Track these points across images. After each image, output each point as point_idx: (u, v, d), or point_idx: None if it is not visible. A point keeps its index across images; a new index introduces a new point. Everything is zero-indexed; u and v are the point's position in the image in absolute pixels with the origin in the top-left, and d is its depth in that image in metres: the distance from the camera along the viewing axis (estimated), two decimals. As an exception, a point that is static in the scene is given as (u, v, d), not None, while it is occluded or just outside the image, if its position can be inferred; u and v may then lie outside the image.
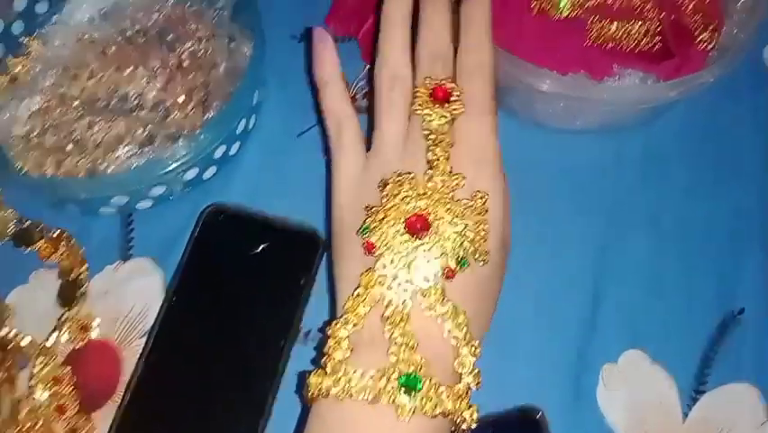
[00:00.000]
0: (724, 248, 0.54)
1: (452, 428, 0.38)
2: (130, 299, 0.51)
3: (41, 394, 0.48)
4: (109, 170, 0.53)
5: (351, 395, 0.36)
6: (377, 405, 0.36)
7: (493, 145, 0.43)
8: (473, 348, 0.38)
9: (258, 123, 0.57)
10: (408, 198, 0.39)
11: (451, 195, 0.40)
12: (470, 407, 0.37)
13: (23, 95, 0.56)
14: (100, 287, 0.52)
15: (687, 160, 0.56)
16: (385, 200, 0.40)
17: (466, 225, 0.39)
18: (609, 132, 0.57)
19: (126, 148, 0.54)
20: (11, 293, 0.52)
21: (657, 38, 0.55)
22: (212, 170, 0.54)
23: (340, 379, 0.36)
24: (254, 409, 0.46)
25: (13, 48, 0.58)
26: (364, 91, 0.57)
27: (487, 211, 0.40)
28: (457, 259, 0.38)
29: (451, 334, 0.38)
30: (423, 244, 0.38)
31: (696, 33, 0.55)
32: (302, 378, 0.39)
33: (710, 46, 0.54)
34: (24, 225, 0.53)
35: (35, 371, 0.48)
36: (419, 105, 0.43)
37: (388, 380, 0.36)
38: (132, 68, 0.57)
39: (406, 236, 0.39)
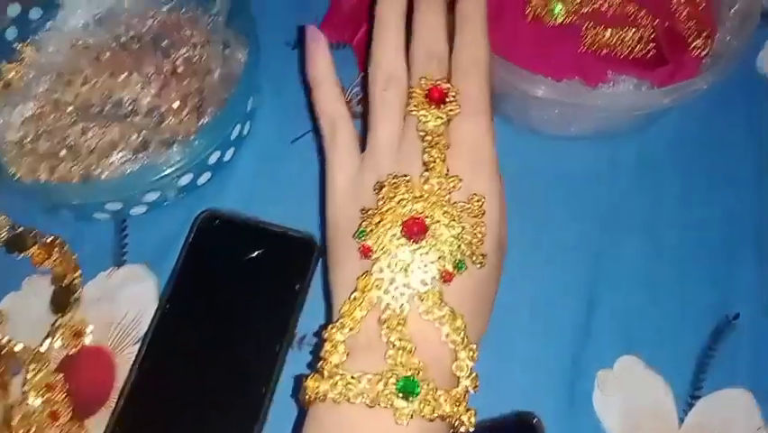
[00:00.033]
0: (718, 254, 0.54)
1: (451, 432, 0.37)
2: (123, 306, 0.51)
3: (34, 401, 0.47)
4: (103, 176, 0.53)
5: (348, 399, 0.36)
6: (374, 409, 0.35)
7: (489, 146, 0.42)
8: (471, 352, 0.37)
9: (252, 129, 0.57)
10: (405, 201, 0.39)
11: (447, 197, 0.39)
12: (468, 410, 0.37)
13: (17, 101, 0.56)
14: (93, 293, 0.52)
15: (681, 166, 0.57)
16: (381, 203, 0.40)
17: (463, 228, 0.39)
18: (604, 138, 0.57)
19: (120, 154, 0.54)
20: (4, 299, 0.52)
21: (651, 45, 0.55)
22: (206, 176, 0.54)
23: (337, 383, 0.36)
24: (249, 415, 0.46)
25: (7, 54, 0.58)
26: (359, 97, 0.57)
27: (484, 213, 0.40)
28: (454, 263, 0.38)
29: (449, 338, 0.37)
30: (420, 248, 0.38)
31: (689, 40, 0.55)
32: (298, 382, 0.39)
33: (704, 53, 0.54)
34: (17, 231, 0.53)
35: (28, 377, 0.48)
36: (414, 105, 0.42)
37: (386, 384, 0.35)
38: (126, 74, 0.57)
39: (403, 240, 0.38)
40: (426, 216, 0.39)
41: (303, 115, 0.57)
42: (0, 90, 0.57)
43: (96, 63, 0.58)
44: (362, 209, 0.40)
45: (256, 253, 0.51)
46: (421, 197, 0.39)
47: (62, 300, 0.51)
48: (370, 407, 0.35)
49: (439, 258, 0.38)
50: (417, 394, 0.35)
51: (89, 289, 0.52)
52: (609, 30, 0.55)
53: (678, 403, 0.49)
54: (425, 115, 0.42)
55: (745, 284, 0.53)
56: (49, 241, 0.53)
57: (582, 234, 0.54)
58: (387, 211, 0.39)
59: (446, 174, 0.40)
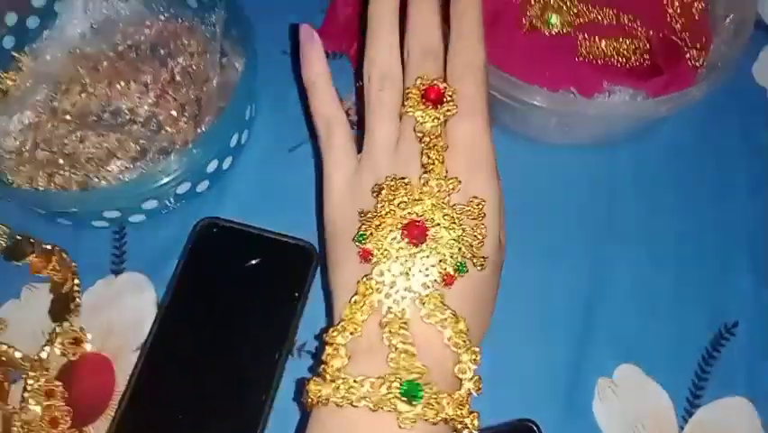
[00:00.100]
0: (715, 262, 0.54)
1: None
2: (123, 313, 0.51)
3: (34, 408, 0.47)
4: (101, 184, 0.53)
5: (351, 403, 0.36)
6: (377, 412, 0.35)
7: (487, 146, 0.42)
8: (474, 355, 0.37)
9: (250, 137, 0.57)
10: (404, 204, 0.39)
11: (446, 199, 0.39)
12: (471, 413, 0.37)
13: (15, 109, 0.56)
14: (93, 301, 0.52)
15: (677, 175, 0.57)
16: (380, 206, 0.39)
17: (463, 231, 0.39)
18: (600, 147, 0.57)
19: (118, 162, 0.54)
20: (3, 307, 0.52)
21: (646, 55, 0.56)
22: (204, 184, 0.54)
23: (339, 387, 0.36)
24: (249, 422, 0.46)
25: (4, 62, 0.58)
26: (356, 108, 0.58)
27: (484, 216, 0.40)
28: (455, 265, 0.38)
29: (451, 341, 0.37)
30: (420, 252, 0.38)
31: (684, 51, 0.55)
32: (300, 385, 0.39)
33: (699, 63, 0.55)
34: (16, 239, 0.53)
35: (28, 384, 0.48)
36: (411, 106, 0.42)
37: (389, 387, 0.35)
38: (123, 82, 0.57)
39: (404, 243, 0.38)
40: (426, 219, 0.39)
41: (301, 124, 0.57)
42: (-2, 99, 0.57)
43: (93, 72, 0.58)
44: (361, 212, 0.40)
45: (255, 261, 0.51)
46: (420, 199, 0.39)
47: (61, 308, 0.51)
48: (373, 411, 0.35)
49: (440, 261, 0.38)
50: (421, 398, 0.35)
51: (88, 296, 0.52)
52: (605, 40, 0.56)
53: (677, 412, 0.50)
54: (422, 116, 0.41)
55: (743, 292, 0.53)
56: (47, 249, 0.53)
57: (580, 242, 0.54)
58: (386, 214, 0.39)
59: (445, 176, 0.40)
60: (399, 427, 0.35)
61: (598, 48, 0.55)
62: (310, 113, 0.46)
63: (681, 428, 0.49)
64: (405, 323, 0.37)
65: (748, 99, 0.60)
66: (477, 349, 0.38)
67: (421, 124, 0.41)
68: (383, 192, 0.40)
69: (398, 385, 0.36)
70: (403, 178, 0.40)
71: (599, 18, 0.57)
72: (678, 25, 0.56)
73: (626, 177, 0.57)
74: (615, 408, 0.49)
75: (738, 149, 0.58)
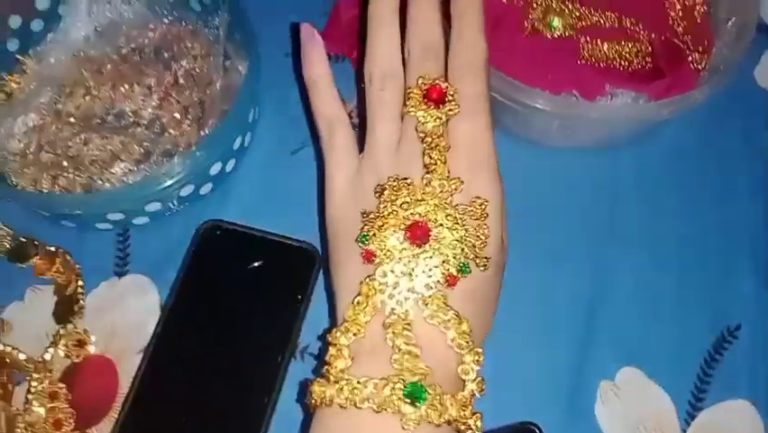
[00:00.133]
0: (718, 265, 0.54)
1: None
2: (126, 315, 0.51)
3: (38, 409, 0.47)
4: (105, 187, 0.54)
5: (354, 404, 0.36)
6: (381, 414, 0.35)
7: (488, 146, 0.42)
8: (477, 356, 0.38)
9: (253, 140, 0.57)
10: (407, 204, 0.39)
11: (449, 200, 0.39)
12: (474, 414, 0.37)
13: (19, 112, 0.56)
14: (96, 303, 0.52)
15: (679, 178, 0.57)
16: (383, 206, 0.39)
17: (466, 231, 0.39)
18: (603, 150, 0.57)
19: (122, 164, 0.54)
20: (7, 309, 0.52)
21: (648, 58, 0.56)
22: (208, 187, 0.54)
23: (343, 388, 0.36)
24: (251, 424, 0.46)
25: (9, 65, 0.58)
26: (358, 111, 0.58)
27: (486, 216, 0.40)
28: (458, 266, 0.38)
29: (454, 342, 0.38)
30: (423, 252, 0.38)
31: (686, 54, 0.55)
32: (304, 386, 0.39)
33: (701, 66, 0.55)
34: (20, 242, 0.53)
35: (32, 386, 0.48)
36: (413, 106, 0.42)
37: (393, 389, 0.35)
38: (127, 85, 0.58)
39: (407, 244, 0.38)
40: (429, 220, 0.39)
41: (304, 126, 0.57)
42: (2, 101, 0.57)
43: (97, 75, 0.58)
44: (363, 212, 0.40)
45: (258, 264, 0.51)
46: (423, 200, 0.39)
47: (65, 310, 0.51)
48: (377, 412, 0.35)
49: (443, 262, 0.38)
50: (424, 400, 0.35)
51: (92, 298, 0.52)
52: (607, 43, 0.56)
53: (680, 415, 0.49)
54: (423, 116, 0.41)
55: (745, 295, 0.53)
56: (51, 251, 0.53)
57: (582, 245, 0.54)
58: (389, 215, 0.39)
59: (447, 176, 0.40)
60: (403, 428, 0.35)
61: (600, 51, 0.56)
62: (312, 113, 0.46)
63: (684, 431, 0.49)
64: (408, 324, 0.37)
65: (750, 102, 0.60)
66: (480, 350, 0.38)
67: (423, 123, 0.41)
68: (386, 192, 0.40)
69: (402, 387, 0.36)
70: (405, 178, 0.40)
71: (601, 21, 0.57)
72: (680, 28, 0.56)
73: (628, 180, 0.57)
74: (617, 411, 0.49)
75: (740, 152, 0.58)
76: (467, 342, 0.38)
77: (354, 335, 0.38)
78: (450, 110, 0.41)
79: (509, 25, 0.57)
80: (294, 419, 0.47)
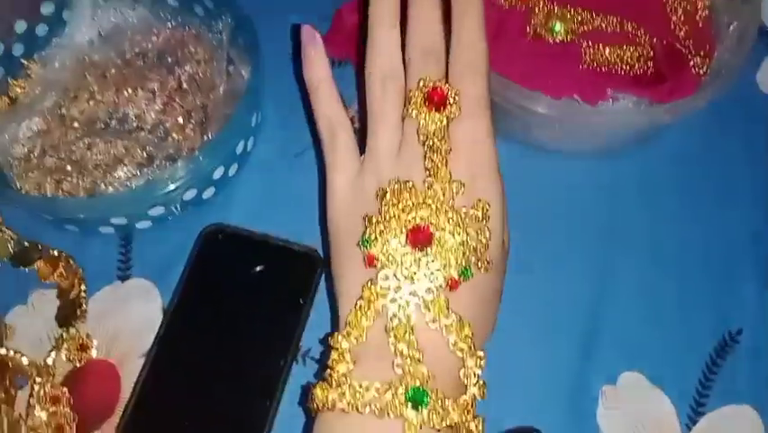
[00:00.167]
0: (720, 269, 0.54)
1: None
2: (129, 319, 0.51)
3: (40, 414, 0.48)
4: (108, 191, 0.54)
5: (357, 408, 0.36)
6: (383, 418, 0.35)
7: (489, 148, 0.42)
8: (479, 360, 0.38)
9: (256, 144, 0.57)
10: (408, 208, 0.39)
11: (451, 203, 0.39)
12: (475, 418, 0.37)
13: (24, 116, 0.57)
14: (99, 307, 0.52)
15: (681, 182, 0.57)
16: (384, 209, 0.39)
17: (468, 235, 0.38)
18: (604, 155, 0.57)
19: (125, 169, 0.55)
20: (10, 313, 0.52)
21: (650, 63, 0.56)
22: (211, 191, 0.54)
23: (345, 392, 0.36)
24: (254, 428, 0.46)
25: (14, 70, 0.59)
26: (360, 115, 0.58)
27: (488, 219, 0.40)
28: (460, 270, 0.38)
29: (456, 346, 0.38)
30: (425, 256, 0.38)
31: (688, 58, 0.55)
32: (306, 390, 0.39)
33: (702, 70, 0.55)
34: (24, 246, 0.53)
35: (34, 390, 0.48)
36: (414, 109, 0.42)
37: (395, 393, 0.36)
38: (131, 90, 0.58)
39: (408, 248, 0.38)
40: (431, 224, 0.38)
41: (306, 130, 0.57)
42: (7, 106, 0.58)
43: (101, 79, 0.58)
44: (365, 216, 0.40)
45: (260, 268, 0.51)
46: (424, 203, 0.39)
47: (68, 314, 0.51)
48: (379, 416, 0.35)
49: (445, 266, 0.38)
50: (426, 404, 0.35)
51: (95, 302, 0.52)
52: (609, 48, 0.56)
53: (681, 419, 0.49)
54: (425, 120, 0.41)
55: (747, 300, 0.53)
56: (55, 255, 0.53)
57: (584, 249, 0.54)
58: (390, 218, 0.39)
59: (449, 179, 0.40)
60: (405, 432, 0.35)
61: (602, 55, 0.56)
62: (312, 115, 0.46)
63: (685, 435, 0.49)
64: (410, 328, 0.37)
65: (752, 107, 0.60)
66: (481, 354, 0.38)
67: (424, 127, 0.41)
68: (387, 196, 0.40)
69: (404, 391, 0.36)
70: (407, 181, 0.40)
71: (603, 26, 0.57)
72: (681, 33, 0.56)
73: (629, 184, 0.57)
74: (619, 415, 0.49)
75: (742, 156, 0.58)
76: (469, 346, 0.38)
77: (356, 339, 0.38)
78: (451, 113, 0.41)
79: (511, 30, 0.57)
80: (296, 422, 0.47)
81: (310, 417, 0.39)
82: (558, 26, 0.56)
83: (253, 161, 0.57)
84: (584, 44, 0.56)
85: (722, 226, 0.56)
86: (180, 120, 0.57)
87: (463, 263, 0.38)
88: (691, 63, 0.55)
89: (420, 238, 0.38)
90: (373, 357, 0.38)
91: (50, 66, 0.59)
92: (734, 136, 0.59)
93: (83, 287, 0.52)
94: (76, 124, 0.57)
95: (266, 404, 0.47)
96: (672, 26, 0.57)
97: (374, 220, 0.39)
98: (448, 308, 0.38)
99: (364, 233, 0.40)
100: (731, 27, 0.55)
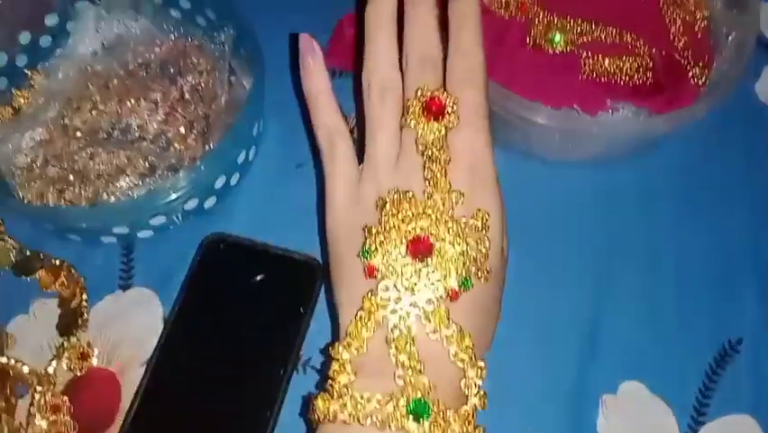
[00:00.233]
0: (718, 279, 0.54)
1: None
2: (130, 328, 0.52)
3: (41, 422, 0.48)
4: (110, 200, 0.54)
5: (358, 420, 0.36)
6: (384, 430, 0.35)
7: (488, 157, 0.42)
8: (480, 370, 0.37)
9: (258, 153, 0.57)
10: (408, 218, 0.39)
11: (450, 213, 0.39)
12: (476, 428, 0.37)
13: (27, 126, 0.57)
14: (100, 316, 0.52)
15: (680, 192, 0.57)
16: (384, 220, 0.39)
17: (468, 245, 0.38)
18: (603, 164, 0.57)
19: (128, 178, 0.55)
20: (11, 322, 0.52)
21: (649, 73, 0.56)
22: (212, 201, 0.54)
23: (346, 403, 0.36)
24: (254, 437, 0.46)
25: (18, 80, 0.59)
26: (357, 122, 0.58)
27: (488, 228, 0.40)
28: (460, 280, 0.38)
29: (456, 356, 0.37)
30: (426, 267, 0.38)
31: (687, 69, 0.56)
32: (307, 401, 0.39)
33: (701, 81, 0.55)
34: (26, 255, 0.53)
35: (35, 399, 0.48)
36: (412, 119, 0.42)
37: (396, 405, 0.35)
38: (133, 100, 0.58)
39: (408, 259, 0.38)
40: (431, 234, 0.38)
41: (308, 140, 0.57)
42: (10, 116, 0.58)
43: (104, 90, 0.59)
44: (365, 226, 0.40)
45: (261, 277, 0.51)
46: (424, 213, 0.39)
47: (69, 323, 0.51)
48: (380, 428, 0.35)
49: (445, 276, 0.38)
50: (428, 416, 0.35)
51: (96, 311, 0.52)
52: (608, 59, 0.56)
53: (682, 429, 0.49)
54: (423, 129, 0.41)
55: (746, 309, 0.53)
56: (56, 264, 0.53)
57: (583, 259, 0.54)
58: (390, 229, 0.39)
59: (449, 189, 0.40)
60: None
61: (601, 66, 0.56)
62: (311, 125, 0.45)
63: (686, 445, 0.49)
64: (411, 339, 0.37)
65: (751, 117, 0.60)
66: (482, 364, 0.38)
67: (422, 136, 0.41)
68: (387, 206, 0.40)
69: (405, 403, 0.36)
70: (407, 191, 0.40)
71: (603, 37, 0.57)
72: (680, 44, 0.57)
73: (628, 194, 0.57)
74: (619, 425, 0.49)
75: (741, 166, 0.58)
76: (470, 356, 0.38)
77: (357, 349, 0.38)
78: (449, 122, 0.41)
79: (511, 41, 0.57)
80: (297, 431, 0.47)
81: (311, 428, 0.39)
82: (558, 37, 0.56)
83: (255, 170, 0.57)
84: (584, 55, 0.56)
85: (722, 236, 0.56)
86: (182, 130, 0.57)
87: (463, 274, 0.38)
88: (690, 74, 0.55)
89: (420, 249, 0.38)
90: (374, 368, 0.38)
91: (53, 76, 0.59)
92: (733, 146, 0.59)
93: (84, 296, 0.52)
94: (78, 134, 0.57)
95: (266, 414, 0.47)
96: (671, 37, 0.57)
97: (374, 231, 0.39)
98: (448, 319, 0.38)
99: (364, 243, 0.40)
100: (730, 38, 0.56)
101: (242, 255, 0.52)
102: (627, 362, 0.51)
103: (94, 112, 0.58)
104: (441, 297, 0.38)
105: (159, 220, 0.53)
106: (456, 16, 0.44)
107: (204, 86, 0.59)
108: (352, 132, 0.51)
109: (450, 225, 0.39)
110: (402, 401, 0.36)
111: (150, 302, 0.52)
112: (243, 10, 0.56)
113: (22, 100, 0.59)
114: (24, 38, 0.58)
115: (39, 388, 0.49)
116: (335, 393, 0.37)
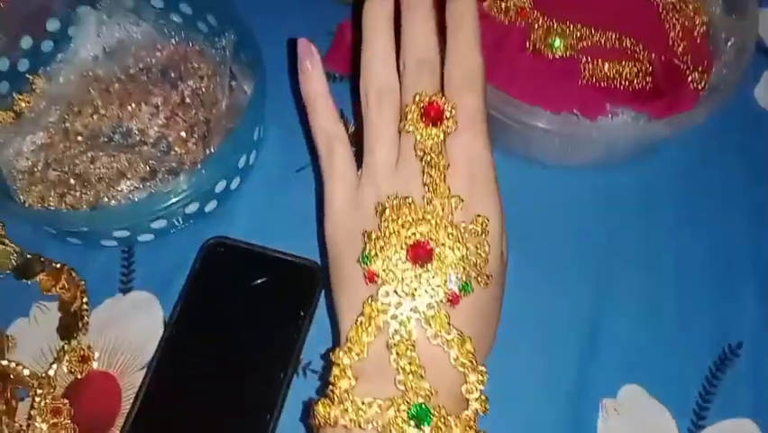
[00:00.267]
0: (718, 283, 0.54)
1: None
2: (130, 332, 0.52)
3: (41, 425, 0.48)
4: (111, 204, 0.54)
5: (359, 425, 0.36)
6: None
7: (486, 161, 0.41)
8: (481, 375, 0.37)
9: (258, 158, 0.58)
10: (408, 224, 0.38)
11: (450, 218, 0.39)
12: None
13: (28, 130, 0.57)
14: (101, 319, 0.52)
15: (679, 196, 0.57)
16: (384, 225, 0.39)
17: (468, 250, 0.38)
18: (603, 168, 0.57)
19: (128, 182, 0.55)
20: (12, 325, 0.52)
21: (649, 78, 0.56)
22: (213, 204, 0.54)
23: (347, 408, 0.36)
24: (254, 441, 0.46)
25: (19, 84, 0.59)
26: (355, 127, 0.58)
27: (487, 233, 0.40)
28: (460, 285, 0.38)
29: (457, 361, 0.37)
30: (426, 272, 0.38)
31: (686, 74, 0.56)
32: (308, 406, 0.39)
33: (701, 86, 0.55)
34: (26, 258, 0.54)
35: (35, 402, 0.48)
36: (411, 124, 0.41)
37: (397, 411, 0.35)
38: (134, 104, 0.58)
39: (409, 264, 0.38)
40: (431, 239, 0.38)
41: (308, 145, 0.57)
42: (11, 120, 0.58)
43: (105, 94, 0.59)
44: (364, 232, 0.40)
45: (261, 281, 0.51)
46: (424, 218, 0.39)
47: (69, 326, 0.51)
48: None
49: (445, 281, 0.38)
50: (429, 422, 0.35)
51: (96, 315, 0.52)
52: (608, 63, 0.56)
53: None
54: (422, 135, 0.41)
55: (746, 313, 0.53)
56: (57, 267, 0.53)
57: (583, 263, 0.54)
58: (390, 235, 0.39)
59: (448, 194, 0.40)
60: None
61: (600, 71, 0.56)
62: (310, 130, 0.45)
63: (686, 448, 0.49)
64: (411, 344, 0.37)
65: (750, 121, 0.61)
66: (483, 369, 0.38)
67: (421, 142, 0.41)
68: (387, 212, 0.39)
69: (406, 408, 0.36)
70: (406, 197, 0.40)
71: (602, 42, 0.57)
72: (680, 49, 0.57)
73: (628, 198, 0.57)
74: (619, 428, 0.49)
75: (740, 170, 0.58)
76: (471, 361, 0.37)
77: (357, 355, 0.38)
78: (448, 127, 0.41)
79: (511, 45, 0.57)
80: (297, 434, 0.47)
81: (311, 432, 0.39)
82: (557, 42, 0.57)
83: (255, 174, 0.57)
84: (583, 60, 0.56)
85: (721, 240, 0.56)
86: (183, 134, 0.57)
87: (464, 278, 0.38)
88: (690, 78, 0.55)
89: (420, 254, 0.38)
90: (375, 373, 0.38)
91: (54, 81, 0.60)
92: (732, 151, 0.59)
93: (85, 299, 0.52)
94: (79, 138, 0.57)
95: (266, 418, 0.47)
96: (671, 42, 0.57)
97: (374, 236, 0.39)
98: (449, 324, 0.38)
99: (364, 249, 0.39)
100: (729, 43, 0.56)
101: (242, 259, 0.52)
102: (628, 365, 0.51)
103: (95, 116, 0.58)
104: (441, 301, 0.38)
105: (159, 224, 0.53)
106: (453, 17, 0.43)
107: (204, 90, 0.59)
108: (350, 138, 0.52)
109: (449, 230, 0.39)
110: (403, 407, 0.36)
111: (150, 306, 0.53)
112: (243, 15, 0.56)
113: (23, 104, 0.59)
114: (26, 42, 0.58)
115: (39, 391, 0.49)
116: (336, 398, 0.37)
